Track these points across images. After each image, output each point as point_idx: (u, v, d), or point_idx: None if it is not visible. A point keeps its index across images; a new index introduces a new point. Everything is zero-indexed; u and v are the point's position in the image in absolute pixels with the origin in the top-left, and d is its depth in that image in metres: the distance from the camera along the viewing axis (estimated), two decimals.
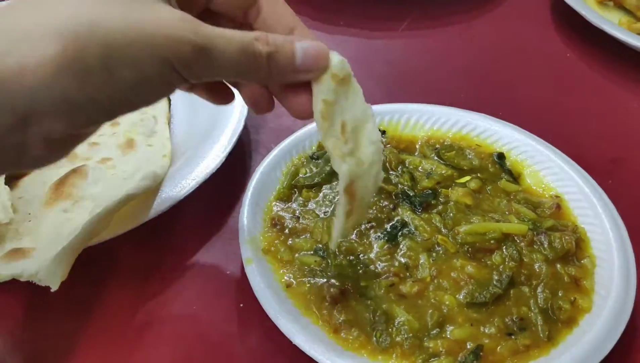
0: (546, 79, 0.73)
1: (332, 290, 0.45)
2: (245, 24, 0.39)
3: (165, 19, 0.32)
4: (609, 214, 0.51)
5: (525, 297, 0.45)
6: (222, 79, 0.40)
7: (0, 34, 0.31)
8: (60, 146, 0.34)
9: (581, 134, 0.65)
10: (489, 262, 0.47)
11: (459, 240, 0.48)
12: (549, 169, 0.55)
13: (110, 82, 0.32)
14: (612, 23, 0.74)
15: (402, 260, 0.47)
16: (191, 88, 0.42)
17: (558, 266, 0.47)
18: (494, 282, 0.45)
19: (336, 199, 0.51)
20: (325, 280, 0.46)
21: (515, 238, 0.48)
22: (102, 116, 0.34)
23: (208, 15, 0.38)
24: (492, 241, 0.48)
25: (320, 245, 0.48)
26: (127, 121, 0.59)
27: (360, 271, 0.47)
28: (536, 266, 0.47)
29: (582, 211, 0.52)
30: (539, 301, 0.45)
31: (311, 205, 0.52)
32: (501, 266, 0.46)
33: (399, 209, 0.51)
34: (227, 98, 0.42)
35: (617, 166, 0.61)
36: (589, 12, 0.75)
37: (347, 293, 0.45)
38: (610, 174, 0.59)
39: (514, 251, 0.47)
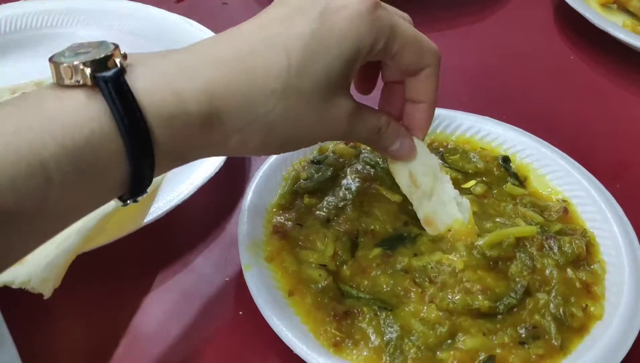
0: (550, 82, 0.72)
1: (337, 307, 0.43)
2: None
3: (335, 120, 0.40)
4: (617, 219, 0.50)
5: (540, 305, 0.44)
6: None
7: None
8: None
9: (587, 138, 0.64)
10: (507, 272, 0.45)
11: (477, 255, 0.45)
12: (555, 173, 0.54)
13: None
14: (616, 25, 0.73)
15: (416, 271, 0.45)
16: None
17: (569, 271, 0.46)
18: (510, 293, 0.44)
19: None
20: (330, 295, 0.44)
21: (527, 243, 0.47)
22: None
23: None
24: (509, 249, 0.46)
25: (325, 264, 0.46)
26: None
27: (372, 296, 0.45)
28: (547, 271, 0.46)
29: (590, 216, 0.51)
30: (551, 309, 0.43)
31: (313, 211, 0.50)
32: (518, 277, 0.45)
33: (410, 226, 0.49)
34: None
35: (624, 170, 0.60)
36: (592, 14, 0.74)
37: (352, 315, 0.43)
38: (618, 178, 0.58)
39: (527, 258, 0.46)
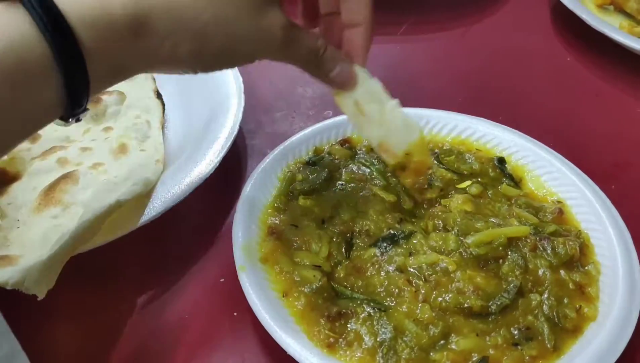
0: (546, 84, 0.72)
1: (331, 308, 0.43)
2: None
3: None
4: (612, 220, 0.50)
5: (533, 306, 0.44)
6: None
7: None
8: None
9: (583, 139, 0.64)
10: (498, 271, 0.45)
11: (466, 254, 0.46)
12: (550, 174, 0.54)
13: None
14: (613, 27, 0.73)
15: (411, 270, 0.45)
16: None
17: (562, 272, 0.46)
18: (502, 293, 0.44)
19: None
20: (325, 295, 0.44)
21: (519, 243, 0.47)
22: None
23: None
24: (500, 248, 0.46)
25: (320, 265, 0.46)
26: (121, 125, 0.58)
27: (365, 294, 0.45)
28: (540, 272, 0.46)
29: (585, 217, 0.51)
30: (545, 310, 0.43)
31: (308, 212, 0.51)
32: (510, 277, 0.45)
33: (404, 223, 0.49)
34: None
35: (619, 171, 0.60)
36: (589, 16, 0.74)
37: (346, 315, 0.43)
38: (613, 179, 0.58)
39: (519, 258, 0.46)
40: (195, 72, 0.39)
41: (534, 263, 0.46)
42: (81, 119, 0.35)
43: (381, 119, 0.45)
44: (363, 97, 0.45)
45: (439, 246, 0.46)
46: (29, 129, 0.34)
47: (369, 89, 0.45)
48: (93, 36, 0.32)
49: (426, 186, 0.52)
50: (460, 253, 0.46)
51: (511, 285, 0.44)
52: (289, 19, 0.40)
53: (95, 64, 0.33)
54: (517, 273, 0.45)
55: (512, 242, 0.47)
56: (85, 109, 0.35)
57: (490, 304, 0.43)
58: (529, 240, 0.47)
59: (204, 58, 0.38)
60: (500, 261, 0.46)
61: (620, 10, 0.80)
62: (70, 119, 0.35)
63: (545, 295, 0.44)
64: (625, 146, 0.64)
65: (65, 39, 0.31)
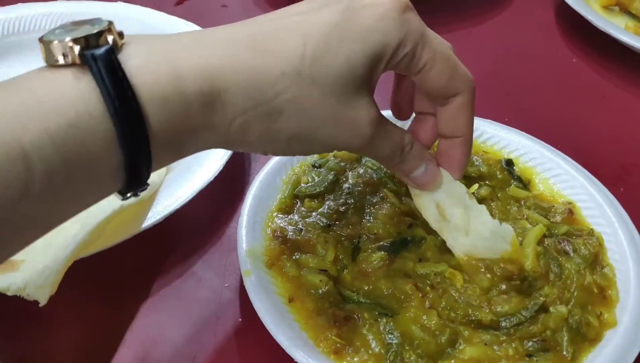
0: (552, 85, 0.72)
1: (337, 313, 0.42)
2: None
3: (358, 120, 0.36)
4: (622, 223, 0.49)
5: (557, 320, 0.42)
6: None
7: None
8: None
9: (590, 141, 0.63)
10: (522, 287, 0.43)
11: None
12: (558, 177, 0.54)
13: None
14: (618, 27, 0.72)
15: (419, 275, 0.44)
16: None
17: (587, 276, 0.45)
18: (522, 311, 0.41)
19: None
20: (331, 300, 0.43)
21: (546, 247, 0.46)
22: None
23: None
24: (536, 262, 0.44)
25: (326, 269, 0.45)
26: None
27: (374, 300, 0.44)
28: (569, 278, 0.44)
29: (595, 220, 0.50)
30: (570, 321, 0.42)
31: (314, 216, 0.50)
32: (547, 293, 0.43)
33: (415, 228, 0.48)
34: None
35: (628, 173, 0.60)
36: (594, 16, 0.73)
37: (353, 320, 0.42)
38: (622, 181, 0.58)
39: (556, 266, 0.44)
40: (266, 154, 0.37)
41: (567, 269, 0.44)
42: (140, 196, 0.33)
43: (466, 226, 0.41)
44: (445, 201, 0.41)
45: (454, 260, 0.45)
46: (81, 206, 0.31)
47: (452, 191, 0.41)
48: (162, 117, 0.30)
49: None
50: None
51: (532, 303, 0.42)
52: (379, 112, 0.37)
53: (159, 143, 0.30)
54: (559, 283, 0.43)
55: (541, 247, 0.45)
56: (145, 187, 0.32)
57: (502, 320, 0.41)
58: (550, 244, 0.46)
59: (275, 142, 0.35)
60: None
61: (626, 11, 0.79)
62: (128, 195, 0.32)
63: (572, 303, 0.43)
64: (632, 147, 0.63)
65: (135, 119, 0.29)
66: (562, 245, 0.46)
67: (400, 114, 0.44)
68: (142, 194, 0.49)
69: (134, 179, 0.31)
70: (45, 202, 0.28)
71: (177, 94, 0.30)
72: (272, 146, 0.36)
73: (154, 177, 0.51)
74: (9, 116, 0.27)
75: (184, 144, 0.33)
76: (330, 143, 0.37)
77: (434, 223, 0.43)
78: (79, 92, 0.28)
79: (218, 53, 0.32)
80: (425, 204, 0.42)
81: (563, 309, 0.42)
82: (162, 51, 0.31)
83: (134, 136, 0.29)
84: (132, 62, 0.29)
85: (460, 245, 0.42)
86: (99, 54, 0.29)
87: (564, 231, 0.48)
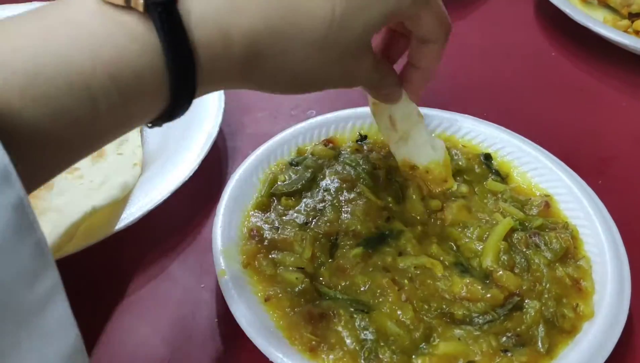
0: (531, 79, 0.72)
1: (312, 310, 0.42)
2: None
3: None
4: (599, 215, 0.49)
5: (531, 316, 0.42)
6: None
7: None
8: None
9: (569, 134, 0.63)
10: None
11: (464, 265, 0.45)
12: (536, 170, 0.53)
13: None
14: (597, 21, 0.72)
15: (398, 268, 0.44)
16: None
17: (559, 268, 0.45)
18: (496, 309, 0.42)
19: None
20: (307, 297, 0.43)
21: (514, 241, 0.46)
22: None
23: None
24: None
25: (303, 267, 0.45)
26: None
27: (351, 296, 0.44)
28: (538, 271, 0.44)
29: (572, 213, 0.50)
30: (545, 314, 0.42)
31: (291, 214, 0.49)
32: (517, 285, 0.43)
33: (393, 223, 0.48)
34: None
35: (606, 165, 0.60)
36: (573, 10, 0.74)
37: (328, 317, 0.42)
38: (600, 174, 0.57)
39: (523, 260, 0.44)
40: (273, 93, 0.40)
41: (535, 263, 0.45)
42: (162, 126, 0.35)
43: (407, 135, 0.49)
44: (397, 114, 0.48)
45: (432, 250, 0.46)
46: (124, 132, 0.34)
47: (404, 107, 0.47)
48: (210, 73, 0.33)
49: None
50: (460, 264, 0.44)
51: (508, 302, 0.42)
52: (374, 55, 0.41)
53: (200, 89, 0.34)
54: (528, 277, 0.44)
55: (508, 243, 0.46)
56: (173, 119, 0.35)
57: (475, 316, 0.42)
58: (520, 238, 0.46)
59: (290, 89, 0.39)
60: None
61: (604, 5, 0.79)
62: (152, 124, 0.35)
63: (545, 296, 0.43)
64: (611, 140, 0.63)
65: (189, 78, 0.32)
66: (533, 238, 0.46)
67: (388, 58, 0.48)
68: (115, 195, 0.48)
69: (168, 117, 0.34)
70: (97, 134, 0.32)
71: (226, 55, 0.33)
72: (284, 90, 0.39)
73: (128, 178, 0.51)
74: (76, 57, 0.29)
75: (217, 87, 0.36)
76: (328, 87, 0.41)
77: (383, 130, 0.50)
78: (143, 46, 0.30)
79: (258, 18, 0.34)
80: (381, 113, 0.49)
81: (536, 305, 0.42)
82: (216, 10, 0.33)
83: (185, 89, 0.33)
84: (191, 17, 0.31)
85: (400, 150, 0.50)
86: (160, 2, 0.30)
87: (539, 223, 0.47)
